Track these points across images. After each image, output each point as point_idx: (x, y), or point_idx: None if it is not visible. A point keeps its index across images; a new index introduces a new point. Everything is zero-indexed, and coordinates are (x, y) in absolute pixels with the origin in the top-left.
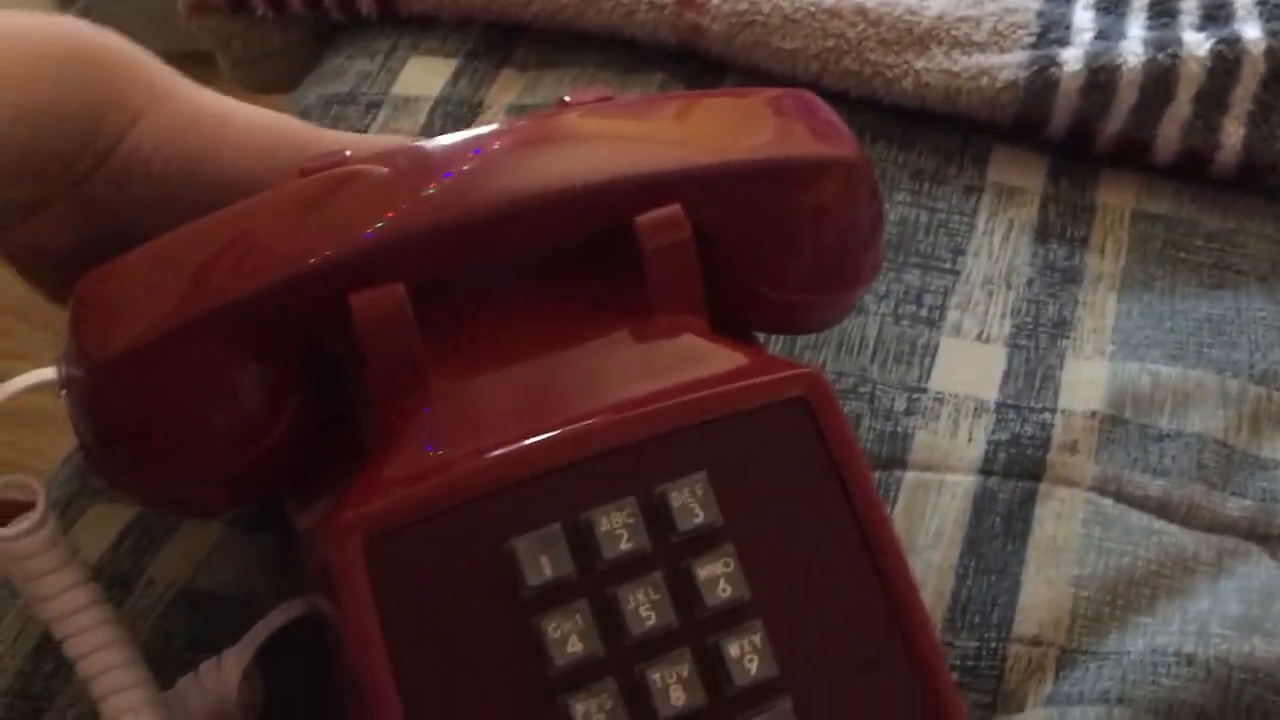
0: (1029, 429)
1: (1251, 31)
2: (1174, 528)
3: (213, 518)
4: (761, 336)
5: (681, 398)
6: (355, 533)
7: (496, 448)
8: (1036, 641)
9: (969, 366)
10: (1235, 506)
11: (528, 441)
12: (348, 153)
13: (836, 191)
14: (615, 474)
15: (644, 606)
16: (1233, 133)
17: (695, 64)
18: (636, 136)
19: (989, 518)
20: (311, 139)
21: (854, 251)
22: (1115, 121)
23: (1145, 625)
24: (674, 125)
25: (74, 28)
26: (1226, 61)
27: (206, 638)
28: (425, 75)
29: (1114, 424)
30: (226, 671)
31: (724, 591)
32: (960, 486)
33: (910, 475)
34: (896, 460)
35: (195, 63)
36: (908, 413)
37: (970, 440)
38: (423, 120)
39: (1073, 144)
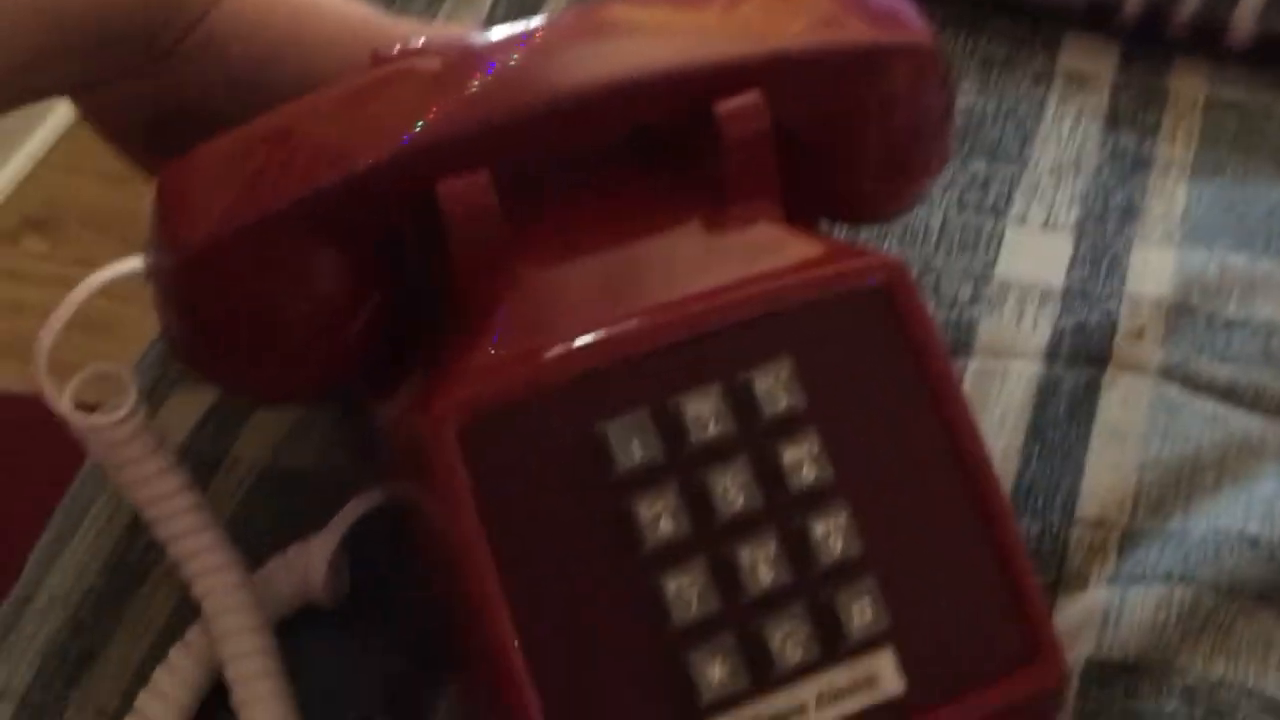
0: (1095, 315)
1: None
2: (1240, 413)
3: (293, 405)
4: (824, 226)
5: (765, 285)
6: (449, 419)
7: (583, 334)
8: (1099, 523)
9: (1035, 253)
10: None
11: (615, 327)
12: (420, 41)
13: (910, 78)
14: (701, 359)
15: (731, 488)
16: None
17: None
18: (712, 22)
19: (1053, 404)
20: (385, 30)
21: (925, 140)
22: (1189, 5)
23: (1209, 508)
24: (750, 11)
25: None
26: None
27: (290, 514)
28: None
29: (1181, 311)
30: (313, 557)
31: (809, 474)
32: (1025, 373)
33: (974, 362)
34: (961, 347)
35: None
36: (972, 300)
37: (1035, 327)
38: (485, 12)
39: (1145, 30)
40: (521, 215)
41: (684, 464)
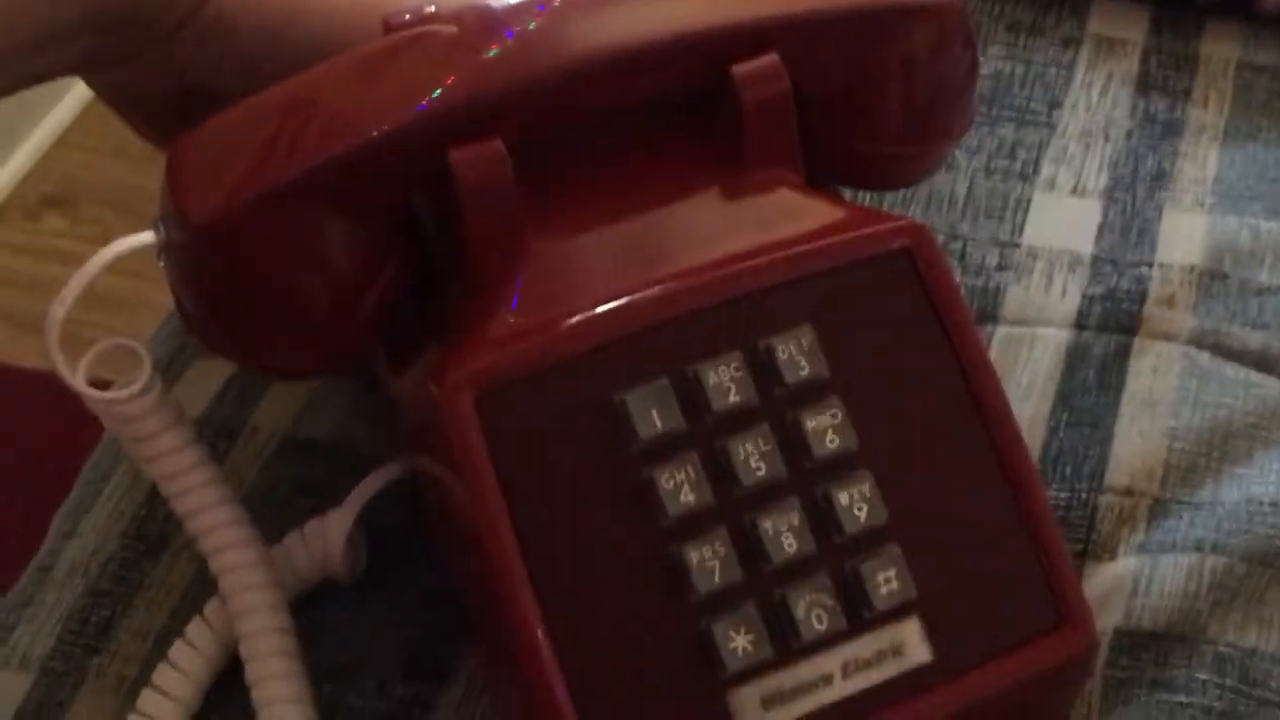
0: (1125, 283)
1: None
2: (1273, 380)
3: (308, 379)
4: (847, 193)
5: (785, 251)
6: (465, 390)
7: (601, 303)
8: (1129, 492)
9: (1063, 220)
10: None
11: (633, 296)
12: (431, 8)
13: (931, 39)
14: (721, 327)
15: (753, 457)
16: None
17: None
18: None
19: (1082, 371)
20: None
21: (947, 102)
22: None
23: (1241, 476)
24: None
25: None
26: None
27: (309, 485)
28: None
29: (1212, 278)
30: (331, 532)
31: (832, 442)
32: (1053, 340)
33: (1002, 329)
34: (988, 315)
35: None
36: (1000, 267)
37: (1064, 294)
38: None
39: None
40: (537, 183)
41: (705, 433)
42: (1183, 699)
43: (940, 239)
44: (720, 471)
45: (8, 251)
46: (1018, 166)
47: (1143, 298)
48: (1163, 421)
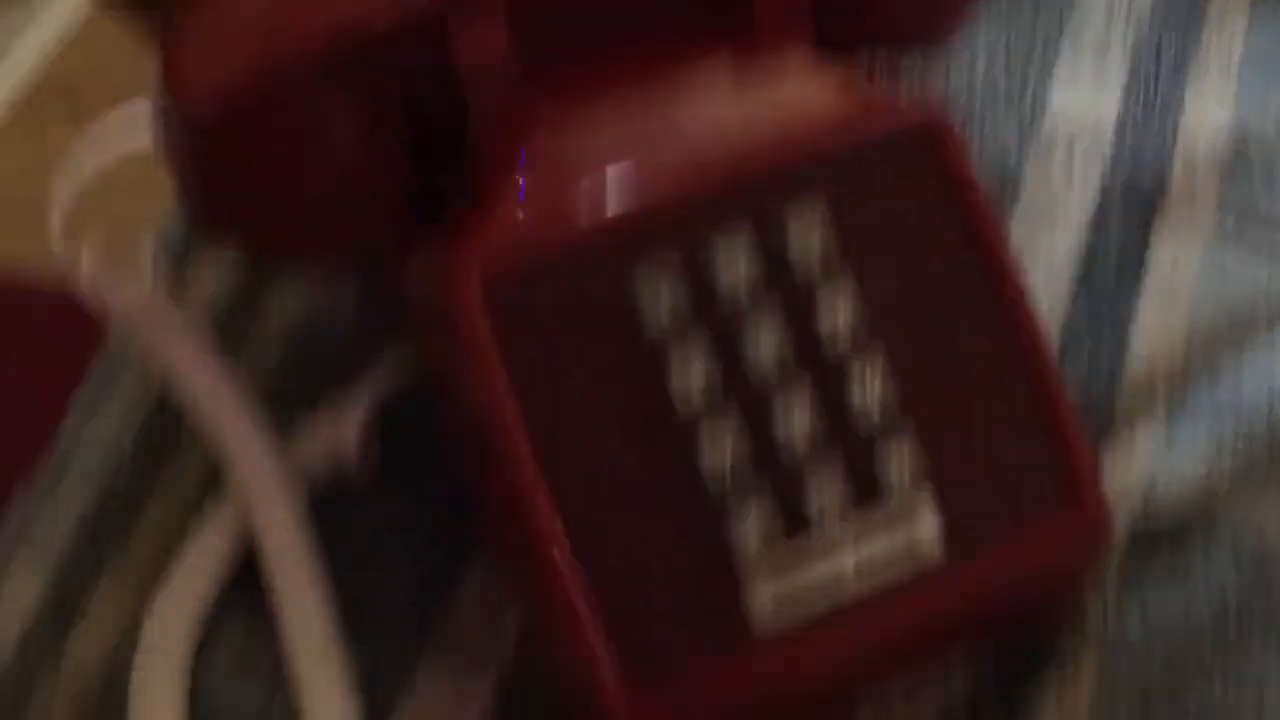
0: (1146, 169)
1: None
2: None
3: (315, 268)
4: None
5: (799, 129)
6: (473, 273)
7: (608, 185)
8: (1148, 380)
9: (1084, 106)
10: None
11: (642, 177)
12: None
13: None
14: (733, 210)
15: (766, 342)
16: None
17: None
18: None
19: (1102, 260)
20: None
21: None
22: None
23: (1261, 361)
24: None
25: None
26: None
27: (321, 375)
28: None
29: (1236, 165)
30: (343, 426)
31: (845, 323)
32: (1072, 226)
33: (1020, 216)
34: (1006, 201)
35: None
36: (1019, 154)
37: (1084, 181)
38: None
39: None
40: (543, 65)
41: (716, 318)
42: (1200, 581)
43: (958, 124)
44: (732, 357)
45: (12, 153)
46: (1038, 50)
47: (1164, 183)
48: (1183, 308)
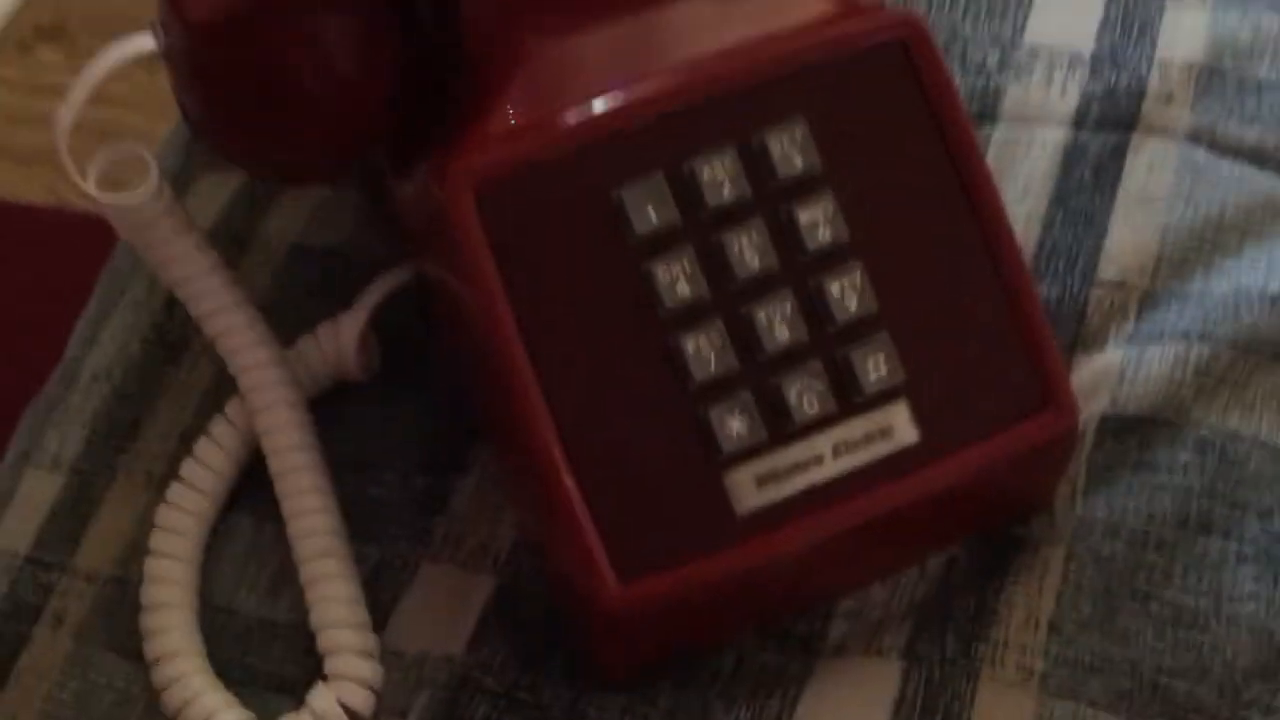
0: (1124, 80)
1: None
2: (1266, 174)
3: (317, 184)
4: None
5: (779, 44)
6: (466, 182)
7: (596, 99)
8: (1119, 285)
9: (1064, 18)
10: None
11: (629, 90)
12: None
13: None
14: (716, 122)
15: (748, 250)
16: None
17: None
18: None
19: (1079, 169)
20: None
21: None
22: None
23: (1231, 267)
24: None
25: None
26: None
27: (321, 287)
28: None
29: (1212, 74)
30: (343, 333)
31: (824, 234)
32: (1051, 139)
33: (1001, 129)
34: (987, 115)
35: None
36: (1000, 67)
37: (1063, 93)
38: None
39: None
40: None
41: (700, 226)
42: (1164, 479)
43: (941, 39)
44: (715, 264)
45: (3, 86)
46: None
47: (1141, 95)
48: (1157, 217)
